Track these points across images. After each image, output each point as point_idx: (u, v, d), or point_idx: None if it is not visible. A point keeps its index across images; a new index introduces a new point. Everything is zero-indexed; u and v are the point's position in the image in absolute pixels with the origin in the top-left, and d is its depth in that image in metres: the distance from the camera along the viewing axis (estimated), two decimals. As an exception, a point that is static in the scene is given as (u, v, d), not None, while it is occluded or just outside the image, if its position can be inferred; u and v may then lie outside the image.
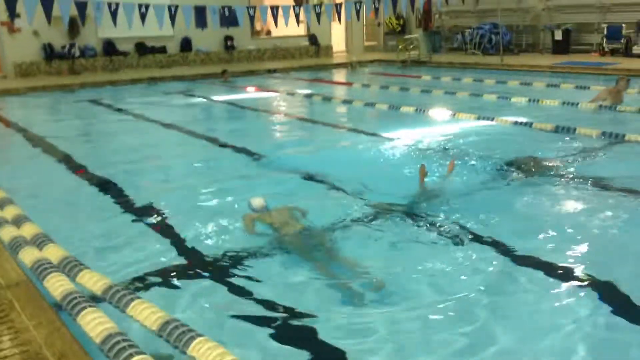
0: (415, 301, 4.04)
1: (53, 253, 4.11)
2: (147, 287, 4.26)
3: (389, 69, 20.22)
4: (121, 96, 15.34)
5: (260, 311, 3.91)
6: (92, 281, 3.71)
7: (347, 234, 5.21)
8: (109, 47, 19.96)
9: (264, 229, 5.23)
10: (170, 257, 4.84)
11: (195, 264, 4.70)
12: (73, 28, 18.79)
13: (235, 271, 4.53)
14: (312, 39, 24.46)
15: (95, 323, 3.06)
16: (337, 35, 26.01)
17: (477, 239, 4.95)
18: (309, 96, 14.72)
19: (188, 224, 5.55)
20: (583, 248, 4.79)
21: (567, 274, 4.30)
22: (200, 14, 15.60)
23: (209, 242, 5.12)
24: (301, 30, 24.36)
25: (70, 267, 3.89)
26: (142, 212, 5.96)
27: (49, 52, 18.90)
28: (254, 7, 16.50)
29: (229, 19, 15.97)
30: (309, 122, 11.36)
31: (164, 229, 5.48)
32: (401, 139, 9.05)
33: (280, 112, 12.67)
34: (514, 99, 11.99)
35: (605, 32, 18.95)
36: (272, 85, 17.10)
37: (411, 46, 21.05)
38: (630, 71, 14.47)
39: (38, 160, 8.57)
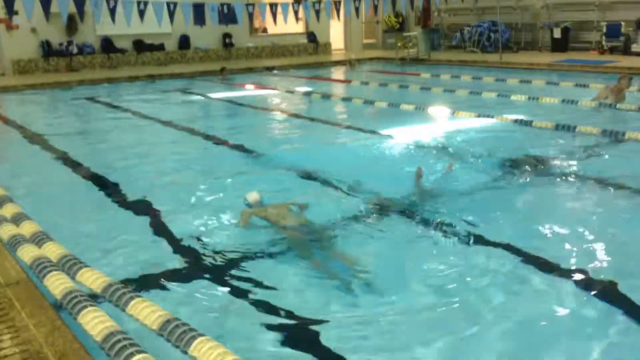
0: (411, 297, 4.06)
1: (52, 251, 4.08)
2: (147, 285, 4.24)
3: (388, 66, 20.20)
4: (119, 94, 15.30)
5: (260, 309, 3.90)
6: (92, 279, 3.68)
7: (344, 230, 5.20)
8: (107, 45, 19.90)
9: (262, 224, 5.22)
10: (171, 255, 4.83)
11: (196, 261, 4.69)
12: (71, 25, 18.73)
13: (235, 269, 4.52)
14: (311, 36, 24.42)
15: (96, 322, 3.04)
16: (335, 33, 25.99)
17: (476, 237, 4.94)
18: (307, 94, 14.69)
19: (187, 221, 5.55)
20: (582, 246, 4.77)
21: (567, 272, 4.28)
22: (198, 11, 15.59)
23: (209, 239, 5.11)
24: (300, 27, 24.33)
25: (70, 265, 3.86)
26: (140, 210, 5.95)
27: (47, 50, 18.85)
28: (253, 5, 16.47)
29: (227, 16, 15.95)
30: (308, 119, 11.34)
31: (164, 227, 5.46)
32: (400, 137, 9.03)
33: (278, 110, 12.64)
34: (514, 97, 11.98)
35: (604, 30, 18.94)
36: (271, 82, 17.06)
37: (410, 44, 21.02)
38: (630, 69, 14.47)
39: (36, 158, 8.54)
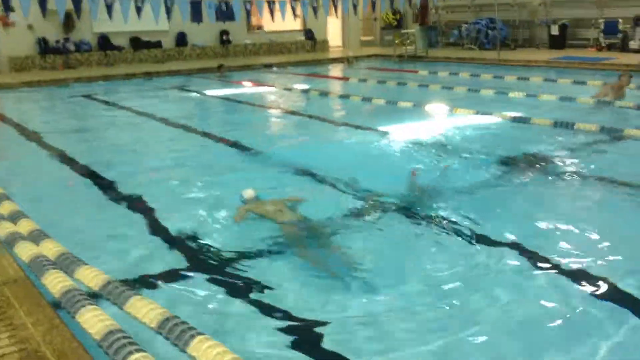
0: (408, 295, 4.05)
1: (50, 249, 4.07)
2: (145, 283, 4.22)
3: (386, 63, 20.18)
4: (116, 91, 15.25)
5: (258, 307, 3.88)
6: (90, 277, 3.67)
7: (341, 227, 5.20)
8: (104, 42, 19.84)
9: (259, 220, 5.20)
10: (169, 252, 4.81)
11: (194, 259, 4.67)
12: (68, 22, 18.63)
13: (234, 266, 4.50)
14: (309, 33, 24.38)
15: (94, 320, 3.02)
16: (333, 30, 25.95)
17: (473, 234, 4.93)
18: (305, 91, 14.67)
19: (185, 218, 5.53)
20: (579, 243, 4.77)
21: (564, 269, 4.28)
22: (196, 8, 15.51)
23: (207, 236, 5.09)
24: (297, 24, 24.28)
25: (68, 262, 3.84)
26: (137, 207, 5.92)
27: (44, 47, 18.77)
28: (251, 1, 16.42)
29: (225, 13, 15.90)
30: (306, 117, 11.31)
31: (161, 224, 5.44)
32: (398, 134, 9.02)
33: (276, 107, 12.62)
34: (512, 94, 11.97)
35: (602, 27, 18.94)
36: (269, 80, 17.04)
37: (408, 41, 21.00)
38: (628, 66, 14.48)
39: (33, 156, 8.51)
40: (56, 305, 3.45)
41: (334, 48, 25.64)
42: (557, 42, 19.93)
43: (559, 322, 3.64)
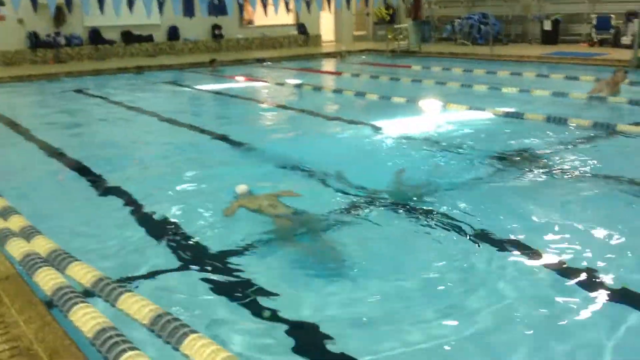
0: (402, 291, 4.05)
1: (41, 245, 4.03)
2: (138, 279, 4.20)
3: (379, 58, 20.15)
4: (107, 85, 15.17)
5: (252, 304, 3.86)
6: (82, 273, 3.63)
7: (334, 221, 5.20)
8: (95, 36, 19.71)
9: (252, 216, 5.18)
10: (160, 248, 4.78)
11: (186, 254, 4.64)
12: (59, 16, 18.51)
13: (227, 261, 4.48)
14: (301, 28, 24.31)
15: (87, 318, 2.99)
16: (326, 25, 25.88)
17: (464, 229, 4.93)
18: (298, 86, 14.63)
19: (177, 213, 5.52)
20: (571, 237, 4.78)
21: (557, 265, 4.29)
22: (188, 2, 15.39)
23: (200, 231, 5.08)
24: (290, 19, 24.20)
25: (60, 259, 3.81)
26: (129, 202, 5.90)
27: (34, 41, 18.64)
28: (243, -4, 16.35)
29: (217, 7, 15.79)
30: (299, 111, 11.29)
31: (153, 219, 5.42)
32: (391, 130, 9.02)
33: (269, 102, 12.58)
34: (505, 89, 11.98)
35: (594, 22, 18.99)
36: (261, 74, 16.99)
37: (400, 36, 20.97)
38: (620, 62, 14.52)
39: (24, 151, 8.45)
40: (48, 302, 3.42)
41: (327, 43, 25.60)
42: (549, 38, 19.96)
43: (548, 317, 3.66)
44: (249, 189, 5.62)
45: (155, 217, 5.49)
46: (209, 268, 4.41)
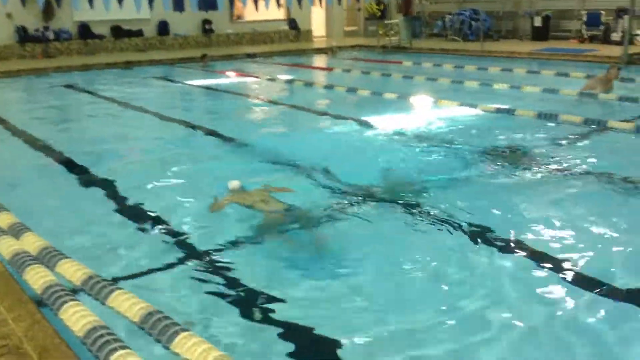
0: (390, 283, 4.09)
1: (31, 242, 3.99)
2: (128, 277, 4.16)
3: (370, 54, 20.14)
4: (97, 80, 15.05)
5: (245, 301, 3.85)
6: (72, 271, 3.60)
7: (325, 217, 5.21)
8: (84, 31, 19.57)
9: (242, 211, 5.16)
10: (150, 245, 4.75)
11: (176, 252, 4.61)
12: (48, 10, 18.37)
13: (218, 258, 4.47)
14: (292, 23, 24.25)
15: (77, 316, 2.96)
16: (317, 20, 25.82)
17: (454, 224, 4.95)
18: (289, 81, 14.60)
19: (167, 209, 5.50)
20: (561, 234, 4.81)
21: (547, 261, 4.30)
22: (178, -4, 15.34)
23: (191, 228, 5.06)
24: (281, 14, 24.12)
25: (49, 257, 3.77)
26: (120, 199, 5.86)
27: (23, 35, 18.49)
28: (234, -10, 16.28)
29: (207, 2, 15.72)
30: (290, 107, 11.25)
31: (143, 215, 5.40)
32: (383, 125, 9.02)
33: (260, 97, 12.53)
34: (496, 86, 11.99)
35: (584, 18, 19.04)
36: (252, 69, 16.93)
37: (391, 32, 20.96)
38: (610, 58, 14.59)
39: (12, 147, 8.37)
40: (38, 300, 3.39)
41: (318, 38, 25.54)
42: (540, 34, 20.01)
43: (539, 313, 3.67)
44: (241, 185, 5.59)
45: (144, 213, 5.46)
46: (199, 264, 4.39)
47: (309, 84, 14.01)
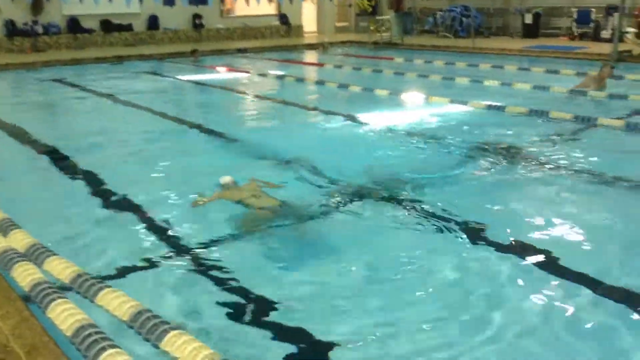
0: (382, 278, 4.08)
1: (19, 239, 3.95)
2: (117, 275, 4.13)
3: (361, 50, 20.11)
4: (86, 75, 14.94)
5: (235, 299, 3.83)
6: (60, 268, 3.57)
7: (317, 212, 5.20)
8: (74, 25, 19.41)
9: (233, 207, 5.15)
10: (141, 243, 4.71)
11: (168, 250, 4.57)
12: (36, 4, 18.20)
13: (207, 254, 4.44)
14: (283, 18, 24.17)
15: (65, 315, 2.93)
16: (308, 15, 25.75)
17: (444, 220, 4.95)
18: (280, 77, 14.56)
19: (156, 204, 5.47)
20: (550, 230, 4.83)
21: (537, 257, 4.32)
22: (169, -9, 15.25)
23: (181, 226, 5.01)
24: (272, 9, 24.04)
25: (37, 254, 3.74)
26: (108, 195, 5.81)
27: (11, 29, 18.31)
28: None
29: (198, -4, 15.65)
30: (281, 102, 11.22)
31: (131, 210, 5.35)
32: (374, 122, 9.01)
33: (250, 93, 12.48)
34: (487, 82, 12.02)
35: (575, 16, 19.10)
36: (243, 65, 16.86)
37: (383, 28, 20.93)
38: (600, 55, 14.64)
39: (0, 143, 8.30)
40: (26, 298, 3.35)
41: (309, 33, 25.47)
42: (530, 31, 20.05)
43: (534, 312, 3.67)
44: (233, 180, 5.56)
45: (132, 208, 5.41)
46: (188, 260, 4.36)
47: (300, 80, 13.98)
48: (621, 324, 3.45)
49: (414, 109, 10.27)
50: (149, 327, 2.89)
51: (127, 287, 3.62)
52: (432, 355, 3.21)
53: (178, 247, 4.60)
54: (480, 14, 21.42)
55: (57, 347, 2.92)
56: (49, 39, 18.92)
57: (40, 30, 18.69)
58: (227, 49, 19.81)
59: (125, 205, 5.52)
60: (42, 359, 2.82)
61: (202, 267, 4.25)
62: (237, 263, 4.31)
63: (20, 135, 8.45)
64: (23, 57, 17.12)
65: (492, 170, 6.48)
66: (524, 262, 4.27)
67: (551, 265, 4.19)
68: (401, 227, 4.93)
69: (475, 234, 4.70)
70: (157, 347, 2.80)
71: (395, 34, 20.92)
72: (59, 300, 3.07)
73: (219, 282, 4.04)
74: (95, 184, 6.19)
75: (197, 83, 13.83)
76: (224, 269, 4.21)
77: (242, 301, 3.80)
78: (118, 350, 2.66)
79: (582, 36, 18.85)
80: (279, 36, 23.95)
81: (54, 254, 3.71)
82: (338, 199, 5.56)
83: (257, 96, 12.04)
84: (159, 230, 4.93)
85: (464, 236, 4.67)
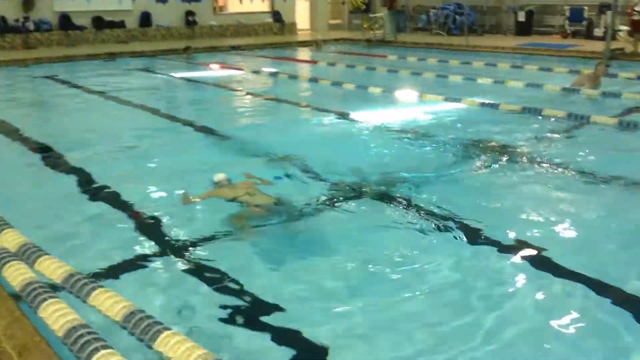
0: (375, 275, 4.09)
1: (11, 239, 3.90)
2: (110, 274, 4.09)
3: (354, 48, 20.10)
4: (78, 72, 14.87)
5: (229, 298, 3.80)
6: (52, 268, 3.53)
7: (310, 210, 5.19)
8: (65, 21, 19.29)
9: (226, 205, 5.13)
10: (134, 242, 4.67)
11: (161, 249, 4.54)
12: (27, 1, 18.08)
13: (200, 253, 4.42)
14: (276, 15, 24.11)
15: (57, 315, 2.90)
16: (301, 13, 25.70)
17: (441, 219, 4.94)
18: (273, 74, 14.51)
19: (150, 205, 5.42)
20: (544, 228, 4.84)
21: (529, 255, 4.32)
22: (161, -13, 15.17)
23: (174, 225, 4.98)
24: (265, 6, 23.99)
25: (29, 253, 3.70)
26: (101, 194, 5.76)
27: (2, 26, 18.20)
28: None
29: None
30: (274, 100, 11.18)
31: (124, 209, 5.32)
32: (368, 119, 9.01)
33: (244, 90, 12.43)
34: (480, 80, 12.03)
35: (567, 14, 19.15)
36: (236, 62, 16.81)
37: (376, 25, 20.92)
38: (592, 53, 14.68)
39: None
40: (18, 298, 3.32)
41: (302, 31, 25.42)
42: (523, 29, 20.10)
43: (521, 306, 3.68)
44: (228, 178, 5.52)
45: (125, 206, 5.38)
46: (180, 259, 4.33)
47: (294, 77, 13.95)
48: (617, 323, 3.45)
49: (408, 106, 10.27)
50: (142, 327, 2.85)
51: (118, 286, 3.62)
52: (429, 354, 3.20)
53: (170, 246, 4.57)
54: (473, 11, 21.44)
55: (49, 347, 2.88)
56: (41, 35, 18.79)
57: (31, 27, 18.57)
58: (220, 46, 19.73)
59: (117, 203, 5.48)
60: (33, 360, 2.79)
61: (195, 266, 4.23)
62: (230, 261, 4.28)
63: (11, 132, 8.38)
64: (14, 53, 17.01)
65: (486, 167, 6.48)
66: (515, 259, 4.27)
67: (538, 261, 4.21)
68: (394, 225, 4.92)
69: (469, 232, 4.70)
70: (150, 347, 2.77)
71: (388, 31, 20.90)
72: (51, 300, 3.03)
73: (211, 281, 4.01)
74: (87, 181, 6.14)
75: (190, 80, 13.78)
76: (216, 268, 4.18)
77: (235, 300, 3.77)
78: (111, 351, 2.63)
79: (575, 34, 18.91)
80: (272, 33, 23.89)
81: (46, 254, 3.67)
82: (331, 196, 5.54)
83: (250, 93, 12.00)
84: (150, 228, 4.90)
85: (458, 234, 4.67)
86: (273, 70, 15.00)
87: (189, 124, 8.90)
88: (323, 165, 6.40)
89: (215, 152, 7.46)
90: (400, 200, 5.41)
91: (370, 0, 25.34)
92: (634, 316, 3.50)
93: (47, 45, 18.84)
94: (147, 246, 4.58)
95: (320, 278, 4.06)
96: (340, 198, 5.50)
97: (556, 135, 7.78)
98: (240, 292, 3.85)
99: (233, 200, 5.21)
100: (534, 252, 4.35)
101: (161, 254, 4.44)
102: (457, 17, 21.14)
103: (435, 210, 5.12)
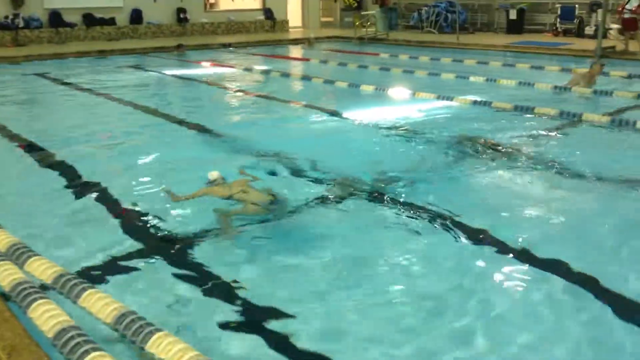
0: (370, 273, 4.09)
1: (0, 239, 3.86)
2: (101, 275, 4.05)
3: (346, 45, 20.08)
4: (69, 69, 14.77)
5: (221, 299, 3.78)
6: (42, 269, 3.49)
7: (304, 208, 5.19)
8: (55, 18, 19.14)
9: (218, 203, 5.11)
10: (126, 242, 4.62)
11: (153, 249, 4.51)
12: (17, -3, 17.97)
13: (197, 256, 4.37)
14: (268, 13, 24.05)
15: (47, 316, 2.86)
16: (292, 10, 25.65)
17: (435, 218, 4.94)
18: (265, 72, 14.48)
19: (141, 203, 5.37)
20: (536, 226, 4.86)
21: (524, 254, 4.33)
22: (152, -16, 15.09)
23: (166, 225, 4.94)
24: (257, 3, 23.93)
25: (18, 254, 3.65)
26: (91, 193, 5.70)
27: (-9, 23, 18.06)
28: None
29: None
30: (266, 98, 11.14)
31: (117, 211, 5.26)
32: (360, 117, 9.00)
33: (236, 88, 12.38)
34: (472, 78, 12.04)
35: (559, 12, 19.21)
36: (228, 60, 16.75)
37: (368, 23, 20.91)
38: (584, 52, 14.74)
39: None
40: (7, 298, 3.28)
41: (294, 28, 25.38)
42: (514, 27, 20.15)
43: (514, 304, 3.69)
44: (222, 176, 5.47)
45: (117, 204, 5.34)
46: (176, 258, 4.30)
47: (285, 75, 13.91)
48: (609, 319, 3.47)
49: (400, 104, 10.26)
50: (134, 329, 2.83)
51: (109, 285, 3.58)
52: (427, 355, 3.19)
53: (160, 244, 4.55)
54: (465, 9, 21.47)
55: (40, 348, 2.85)
56: (31, 33, 18.65)
57: (21, 24, 18.42)
58: (211, 43, 19.67)
59: (107, 200, 5.44)
60: (23, 362, 2.76)
61: (185, 265, 4.20)
62: (221, 260, 4.26)
63: (0, 129, 8.31)
64: (4, 51, 16.87)
65: (477, 165, 6.48)
66: (506, 257, 4.29)
67: (525, 257, 4.23)
68: (386, 223, 4.92)
69: (462, 230, 4.69)
70: (142, 349, 2.74)
71: (380, 29, 20.90)
72: (41, 301, 2.99)
73: (202, 280, 3.99)
74: (77, 178, 6.10)
75: (182, 78, 13.72)
76: (207, 266, 4.16)
77: (226, 299, 3.75)
78: (102, 353, 2.60)
79: (566, 32, 18.98)
80: (264, 31, 23.83)
81: (36, 254, 3.63)
82: (323, 193, 5.54)
83: (241, 91, 11.96)
84: (141, 226, 4.87)
85: (452, 232, 4.67)
86: (265, 67, 14.97)
87: (180, 121, 8.85)
88: (314, 163, 6.39)
89: (207, 149, 7.43)
90: (391, 197, 5.41)
91: (362, -3, 25.36)
92: (633, 316, 3.51)
93: (38, 42, 18.70)
94: (135, 245, 4.54)
95: (312, 277, 4.05)
96: (332, 195, 5.51)
97: (548, 133, 7.80)
98: (231, 291, 3.84)
99: (228, 198, 5.18)
100: (524, 249, 4.36)
101: (150, 252, 4.41)
102: (449, 14, 21.16)
103: (427, 208, 5.12)
